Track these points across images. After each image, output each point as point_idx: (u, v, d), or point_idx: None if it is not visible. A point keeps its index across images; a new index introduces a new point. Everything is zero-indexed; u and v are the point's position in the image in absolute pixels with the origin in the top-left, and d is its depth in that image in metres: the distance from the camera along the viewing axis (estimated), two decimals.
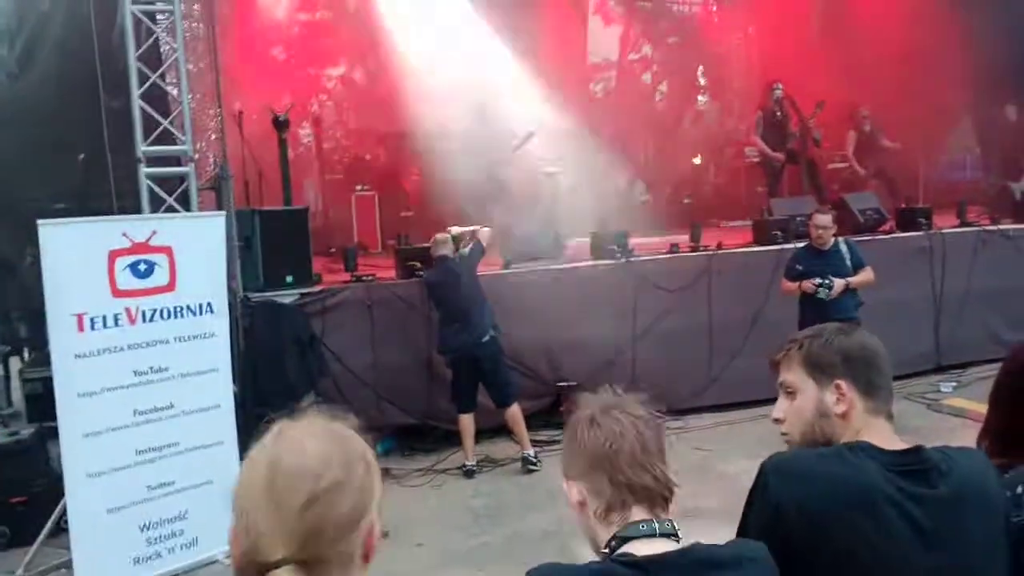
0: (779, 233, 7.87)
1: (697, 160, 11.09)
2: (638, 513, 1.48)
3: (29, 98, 6.86)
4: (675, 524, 1.49)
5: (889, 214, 8.66)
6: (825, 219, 6.38)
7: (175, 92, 5.94)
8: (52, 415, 4.73)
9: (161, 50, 6.09)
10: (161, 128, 5.78)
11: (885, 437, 1.75)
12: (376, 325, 6.61)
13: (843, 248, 6.42)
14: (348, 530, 1.21)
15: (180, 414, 5.05)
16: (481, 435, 6.53)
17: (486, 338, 6.15)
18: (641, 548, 1.44)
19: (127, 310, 4.87)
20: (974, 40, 9.93)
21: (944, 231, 8.45)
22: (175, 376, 5.05)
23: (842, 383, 1.77)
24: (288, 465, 1.21)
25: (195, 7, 7.91)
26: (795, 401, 1.83)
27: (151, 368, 4.99)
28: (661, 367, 7.02)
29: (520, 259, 7.30)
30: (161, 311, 5.02)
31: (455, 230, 6.51)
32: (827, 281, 6.17)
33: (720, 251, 7.72)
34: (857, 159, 10.31)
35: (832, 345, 1.81)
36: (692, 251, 7.74)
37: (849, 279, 6.26)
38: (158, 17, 5.97)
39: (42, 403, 5.78)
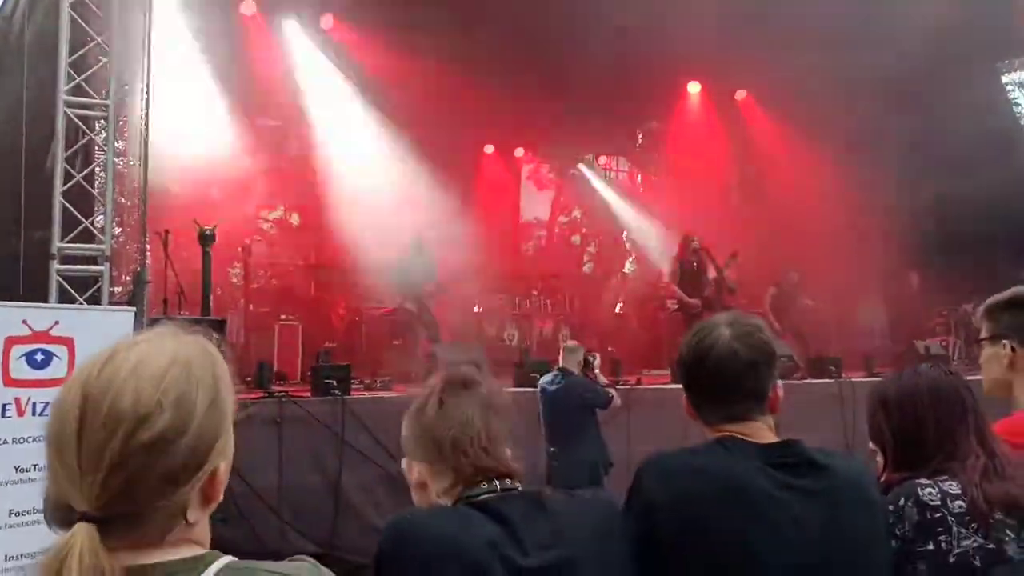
0: None
1: (618, 308, 11.42)
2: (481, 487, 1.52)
3: None
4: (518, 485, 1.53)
5: (801, 363, 8.94)
6: None
7: (99, 195, 5.95)
8: None
9: (93, 156, 6.15)
10: (81, 228, 5.75)
11: (755, 434, 1.74)
12: (284, 444, 6.35)
13: None
14: (177, 483, 1.03)
15: None
16: None
17: None
18: None
19: (16, 400, 4.60)
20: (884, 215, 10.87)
21: (854, 379, 8.71)
22: None
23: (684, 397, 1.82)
24: (105, 404, 1.00)
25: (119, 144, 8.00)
26: None
27: (35, 466, 4.66)
28: None
29: None
30: None
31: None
32: None
33: (639, 386, 7.79)
34: (774, 316, 10.73)
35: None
36: (612, 385, 7.78)
37: None
38: (94, 125, 6.06)
39: None
